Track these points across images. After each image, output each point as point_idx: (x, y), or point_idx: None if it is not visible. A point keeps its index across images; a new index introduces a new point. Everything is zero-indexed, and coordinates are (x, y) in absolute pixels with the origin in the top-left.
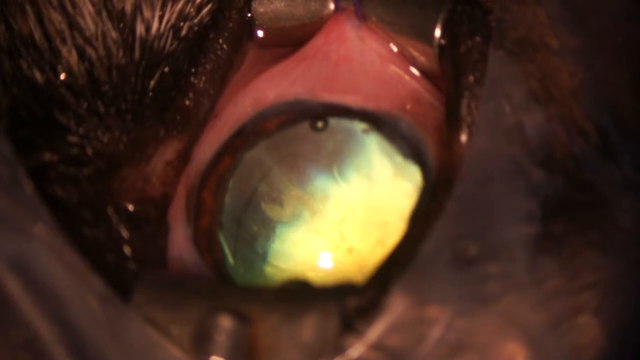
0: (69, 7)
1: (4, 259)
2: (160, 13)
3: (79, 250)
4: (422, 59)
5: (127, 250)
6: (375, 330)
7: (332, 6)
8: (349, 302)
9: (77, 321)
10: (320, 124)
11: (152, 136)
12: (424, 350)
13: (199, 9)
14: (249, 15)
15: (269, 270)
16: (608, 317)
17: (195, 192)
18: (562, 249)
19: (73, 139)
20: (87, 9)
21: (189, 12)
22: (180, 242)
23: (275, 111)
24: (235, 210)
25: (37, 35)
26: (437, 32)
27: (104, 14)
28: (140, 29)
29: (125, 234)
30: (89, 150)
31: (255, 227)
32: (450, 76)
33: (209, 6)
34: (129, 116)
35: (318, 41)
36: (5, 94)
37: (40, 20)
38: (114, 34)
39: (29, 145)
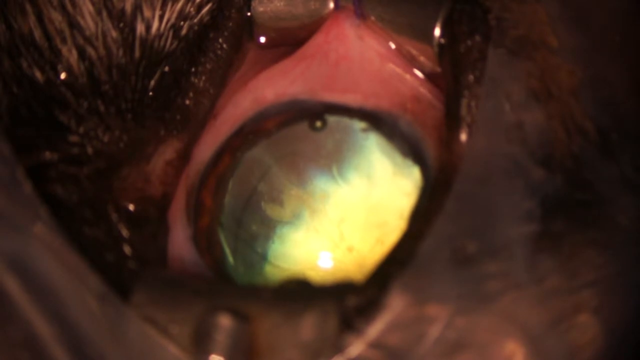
0: (69, 7)
1: (2, 258)
2: (160, 12)
3: (79, 249)
4: (421, 58)
5: (127, 249)
6: (375, 329)
7: (331, 5)
8: (349, 301)
9: (75, 320)
10: (319, 124)
11: (152, 135)
12: (423, 349)
13: (199, 8)
14: (249, 14)
15: (269, 269)
16: (607, 315)
17: (195, 192)
18: (562, 247)
19: (73, 138)
20: (87, 8)
21: (189, 12)
22: (180, 241)
23: (274, 110)
24: (235, 209)
25: (37, 34)
26: (437, 31)
27: (104, 13)
28: (140, 28)
29: (125, 233)
30: (89, 150)
31: (255, 227)
32: (450, 75)
33: (209, 5)
34: (129, 115)
35: (317, 40)
36: (6, 93)
37: (40, 19)
38: (114, 34)
39: (29, 144)
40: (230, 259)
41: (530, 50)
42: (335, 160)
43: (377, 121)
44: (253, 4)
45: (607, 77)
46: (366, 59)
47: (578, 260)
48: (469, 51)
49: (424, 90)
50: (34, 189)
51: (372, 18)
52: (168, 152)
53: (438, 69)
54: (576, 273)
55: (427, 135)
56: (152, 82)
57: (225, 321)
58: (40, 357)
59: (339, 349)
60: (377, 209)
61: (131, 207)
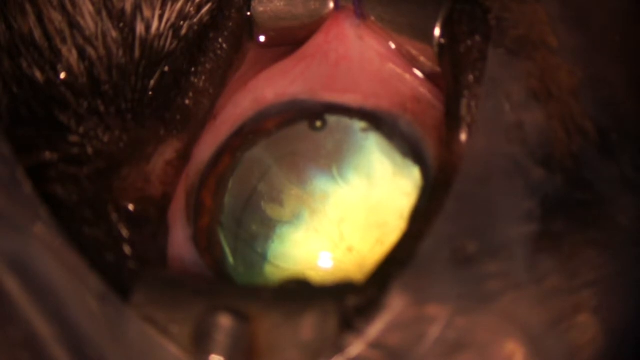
0: (69, 7)
1: (2, 258)
2: (160, 12)
3: (79, 249)
4: (421, 58)
5: (127, 249)
6: (375, 329)
7: (331, 5)
8: (349, 301)
9: (75, 320)
10: (319, 124)
11: (152, 135)
12: (423, 349)
13: (199, 8)
14: (249, 14)
15: (269, 269)
16: (607, 315)
17: (195, 192)
18: (562, 247)
19: (73, 138)
20: (87, 8)
21: (189, 12)
22: (180, 241)
23: (274, 110)
24: (235, 210)
25: (37, 34)
26: (437, 31)
27: (104, 13)
28: (140, 28)
29: (125, 233)
30: (89, 150)
31: (255, 227)
32: (450, 75)
33: (209, 5)
34: (129, 115)
35: (317, 40)
36: (6, 93)
37: (40, 19)
38: (114, 34)
39: (29, 144)
40: (230, 259)
41: (530, 50)
42: (335, 160)
43: (377, 121)
44: (253, 4)
45: (607, 77)
46: (366, 59)
47: (578, 260)
48: (469, 51)
49: (424, 90)
50: (34, 189)
51: (372, 18)
52: (168, 152)
53: (438, 69)
54: (576, 273)
55: (427, 135)
56: (152, 82)
57: (225, 321)
58: (40, 357)
59: (339, 349)
60: (377, 209)
61: (131, 207)
